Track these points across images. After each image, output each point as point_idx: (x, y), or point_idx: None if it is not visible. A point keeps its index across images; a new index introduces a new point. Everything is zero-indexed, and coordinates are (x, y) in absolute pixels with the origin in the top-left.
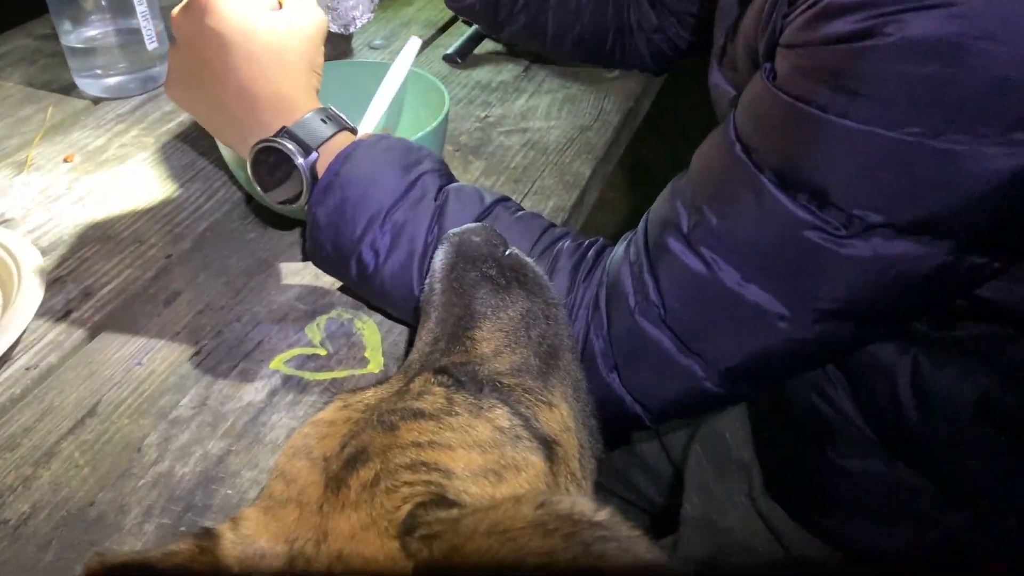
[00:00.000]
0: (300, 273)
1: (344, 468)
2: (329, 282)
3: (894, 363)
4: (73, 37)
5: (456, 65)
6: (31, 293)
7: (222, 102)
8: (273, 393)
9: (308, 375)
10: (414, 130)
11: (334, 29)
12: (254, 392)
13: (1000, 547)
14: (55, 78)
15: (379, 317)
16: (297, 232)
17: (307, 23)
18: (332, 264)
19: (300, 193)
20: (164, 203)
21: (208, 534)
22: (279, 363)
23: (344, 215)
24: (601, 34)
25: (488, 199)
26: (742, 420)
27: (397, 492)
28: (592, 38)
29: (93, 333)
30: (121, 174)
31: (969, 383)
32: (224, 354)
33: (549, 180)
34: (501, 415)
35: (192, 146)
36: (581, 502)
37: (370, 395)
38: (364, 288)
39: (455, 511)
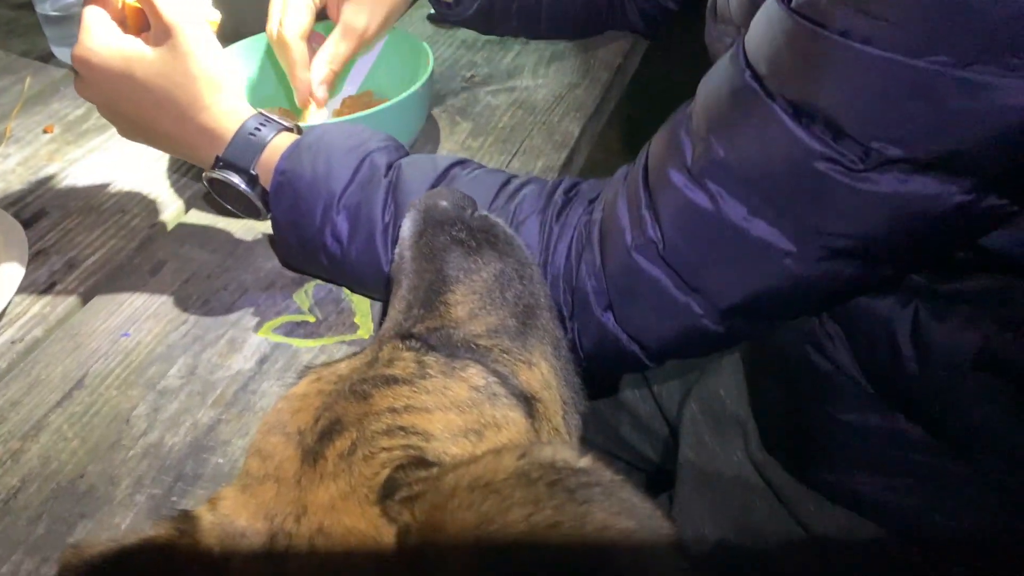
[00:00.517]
0: None
1: (319, 440)
2: None
3: (893, 315)
4: (48, 5)
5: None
6: (14, 266)
7: (158, 143)
8: (262, 361)
9: (297, 342)
10: (398, 92)
11: None
12: (243, 360)
13: (1000, 497)
14: (32, 48)
15: None
16: None
17: (182, 43)
18: (304, 261)
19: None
20: (147, 172)
21: (186, 516)
22: (267, 331)
23: (299, 211)
24: (594, 12)
25: (442, 163)
26: (737, 376)
27: (375, 458)
28: (586, 17)
29: (78, 305)
30: (102, 144)
31: (970, 334)
32: (212, 323)
33: (537, 140)
34: (475, 374)
35: None
36: (563, 450)
37: (343, 367)
38: (339, 276)
39: (435, 470)
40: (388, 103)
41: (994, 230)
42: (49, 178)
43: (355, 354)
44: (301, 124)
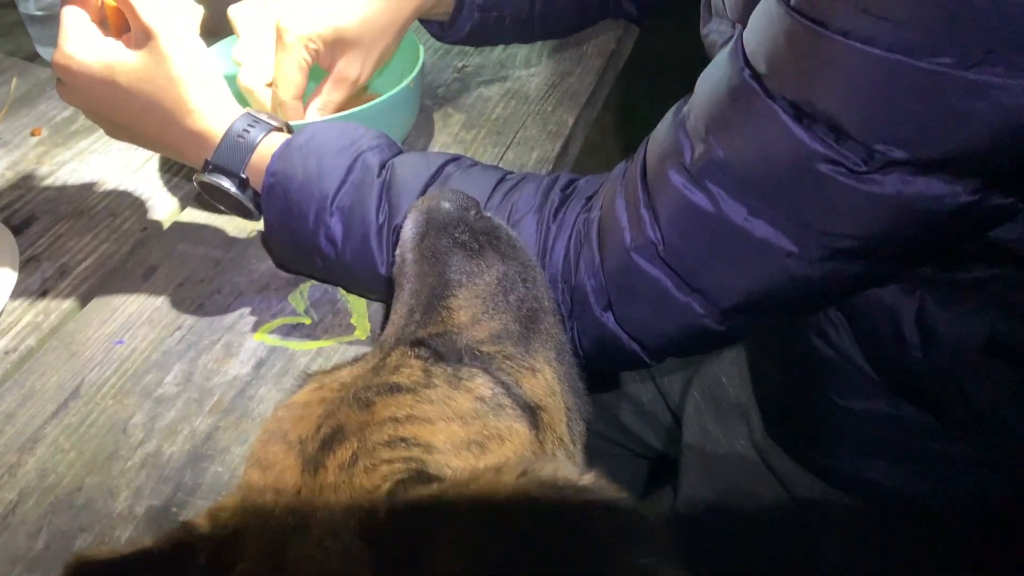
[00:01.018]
0: None
1: (320, 449)
2: None
3: (898, 304)
4: (32, 4)
5: None
6: (5, 274)
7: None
8: (259, 365)
9: (294, 345)
10: (389, 85)
11: None
12: (239, 365)
13: (1006, 482)
14: (18, 48)
15: None
16: None
17: (163, 46)
18: (299, 263)
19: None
20: (137, 174)
21: (186, 528)
22: (263, 334)
23: (292, 213)
24: (585, 9)
25: (436, 161)
26: (739, 363)
27: (376, 471)
28: (580, 16)
29: (72, 313)
30: (91, 145)
31: (977, 322)
32: (207, 327)
33: (532, 130)
34: (482, 384)
35: None
36: (564, 467)
37: (345, 374)
38: (335, 278)
39: (435, 487)
40: (379, 99)
41: (999, 226)
42: (38, 182)
43: (357, 361)
44: (291, 123)
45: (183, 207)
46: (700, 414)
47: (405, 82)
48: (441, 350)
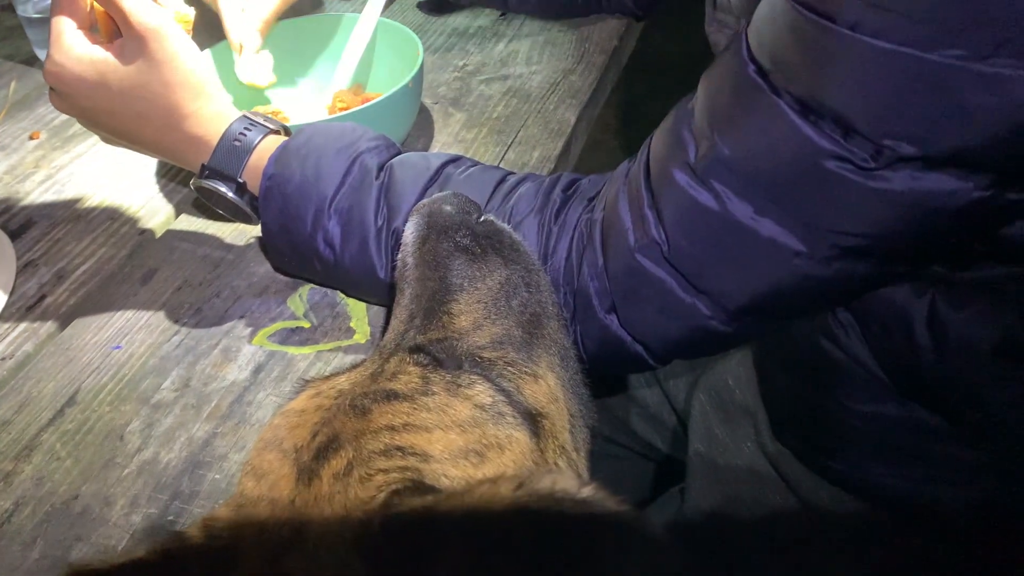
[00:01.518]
0: None
1: (315, 458)
2: None
3: (909, 305)
4: (30, 7)
5: (432, 13)
6: (1, 280)
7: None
8: (258, 370)
9: (293, 350)
10: (389, 84)
11: None
12: (237, 370)
13: (1019, 487)
14: (16, 51)
15: None
16: None
17: (155, 50)
18: (297, 267)
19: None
20: (135, 177)
21: (179, 537)
22: (262, 339)
23: (290, 216)
24: None
25: (435, 162)
26: (746, 365)
27: (371, 481)
28: None
29: (69, 318)
30: (89, 149)
31: (990, 323)
32: (205, 332)
33: (533, 129)
34: (482, 392)
35: None
36: (563, 479)
37: (343, 380)
38: (334, 281)
39: (430, 498)
40: (378, 99)
41: (1012, 223)
42: (36, 186)
43: (355, 367)
44: (289, 125)
45: (181, 211)
46: (706, 417)
47: (404, 81)
48: (440, 356)
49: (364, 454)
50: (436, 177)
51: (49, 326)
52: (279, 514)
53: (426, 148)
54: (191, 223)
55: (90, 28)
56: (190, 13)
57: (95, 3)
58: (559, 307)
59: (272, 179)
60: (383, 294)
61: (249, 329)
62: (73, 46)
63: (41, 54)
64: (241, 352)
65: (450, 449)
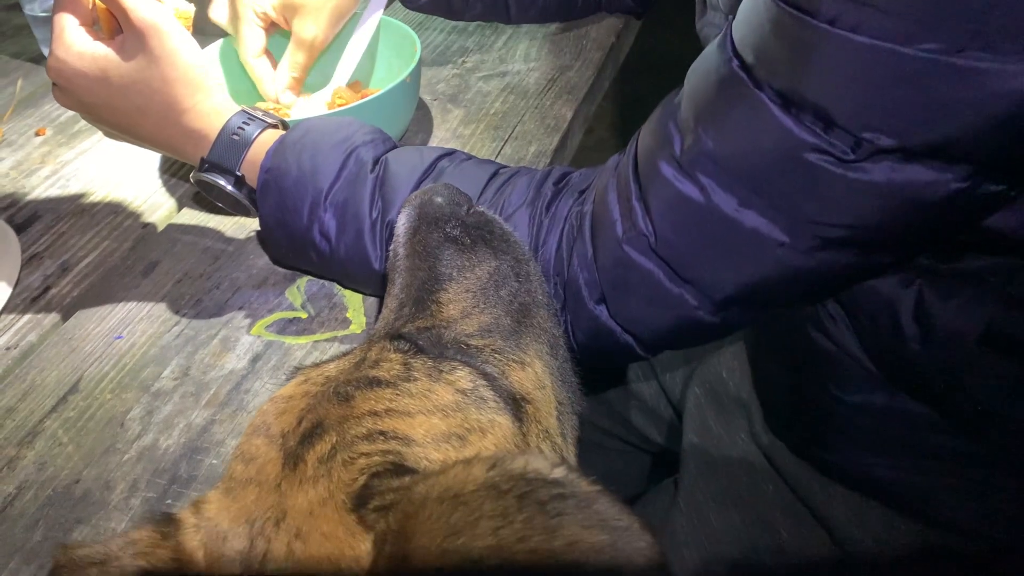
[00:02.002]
0: None
1: (301, 443)
2: None
3: (896, 296)
4: (36, 6)
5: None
6: (7, 272)
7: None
8: (255, 359)
9: (290, 339)
10: (387, 81)
11: None
12: (236, 359)
13: (1009, 475)
14: (23, 49)
15: None
16: None
17: (155, 46)
18: (294, 258)
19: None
20: (139, 172)
21: (169, 520)
22: (260, 329)
23: (286, 208)
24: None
25: (429, 156)
26: (739, 358)
27: (354, 464)
28: (558, 4)
29: (72, 309)
30: (94, 145)
31: (975, 313)
32: (204, 323)
33: (530, 125)
34: (463, 377)
35: None
36: (536, 460)
37: (331, 368)
38: (330, 273)
39: (408, 479)
40: (376, 95)
41: (993, 215)
42: (41, 181)
43: (345, 354)
44: (287, 120)
45: (183, 204)
46: (700, 410)
47: (401, 77)
48: (422, 343)
49: (347, 439)
50: (430, 171)
51: (53, 317)
52: (266, 496)
53: (424, 143)
54: (193, 217)
55: (92, 24)
56: (190, 9)
57: (97, 0)
58: (549, 297)
59: (269, 172)
60: (378, 285)
61: (248, 320)
62: (75, 42)
63: (47, 52)
64: (239, 342)
65: (432, 433)
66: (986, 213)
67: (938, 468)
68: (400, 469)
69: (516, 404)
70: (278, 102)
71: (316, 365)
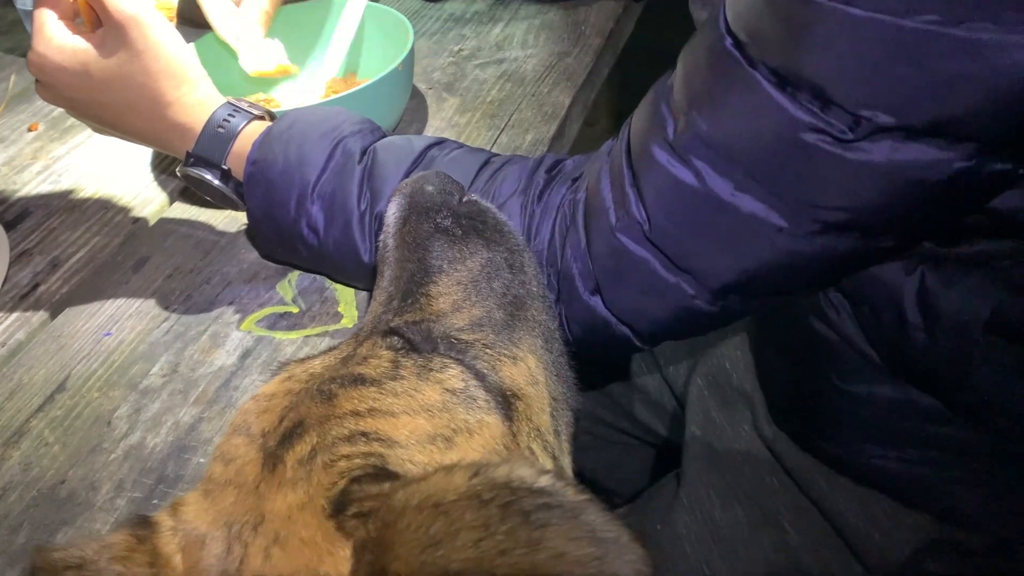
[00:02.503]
0: None
1: (280, 444)
2: None
3: (899, 283)
4: (29, 1)
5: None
6: None
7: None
8: (245, 355)
9: (280, 335)
10: (381, 70)
11: None
12: (225, 356)
13: (1013, 468)
14: (17, 45)
15: None
16: None
17: (136, 39)
18: (283, 252)
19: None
20: (130, 167)
21: (146, 523)
22: (250, 324)
23: (273, 201)
24: None
25: (419, 145)
26: (743, 349)
27: (334, 467)
28: None
29: (61, 306)
30: (86, 140)
31: (980, 300)
32: (194, 318)
33: (527, 112)
34: (453, 375)
35: None
36: (520, 468)
37: (317, 363)
38: (319, 266)
39: (387, 485)
40: (367, 83)
41: (999, 195)
42: (33, 177)
43: (331, 350)
44: (275, 110)
45: (175, 199)
46: (703, 402)
47: (393, 65)
48: (414, 339)
49: (328, 440)
50: (420, 160)
51: (42, 314)
52: (244, 499)
53: (419, 133)
54: (184, 211)
55: (74, 18)
56: (172, 0)
57: None
58: (544, 289)
59: (255, 165)
60: (368, 279)
61: (238, 315)
62: (54, 36)
63: None
64: (229, 338)
65: (416, 434)
66: (992, 193)
67: (944, 459)
68: (382, 473)
69: (507, 401)
70: (239, 39)
71: (301, 360)
